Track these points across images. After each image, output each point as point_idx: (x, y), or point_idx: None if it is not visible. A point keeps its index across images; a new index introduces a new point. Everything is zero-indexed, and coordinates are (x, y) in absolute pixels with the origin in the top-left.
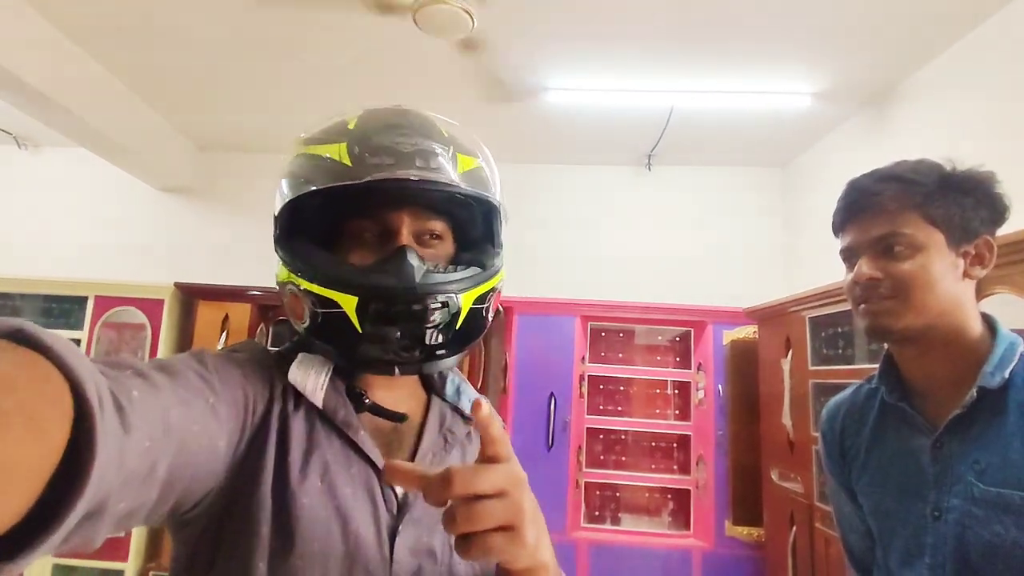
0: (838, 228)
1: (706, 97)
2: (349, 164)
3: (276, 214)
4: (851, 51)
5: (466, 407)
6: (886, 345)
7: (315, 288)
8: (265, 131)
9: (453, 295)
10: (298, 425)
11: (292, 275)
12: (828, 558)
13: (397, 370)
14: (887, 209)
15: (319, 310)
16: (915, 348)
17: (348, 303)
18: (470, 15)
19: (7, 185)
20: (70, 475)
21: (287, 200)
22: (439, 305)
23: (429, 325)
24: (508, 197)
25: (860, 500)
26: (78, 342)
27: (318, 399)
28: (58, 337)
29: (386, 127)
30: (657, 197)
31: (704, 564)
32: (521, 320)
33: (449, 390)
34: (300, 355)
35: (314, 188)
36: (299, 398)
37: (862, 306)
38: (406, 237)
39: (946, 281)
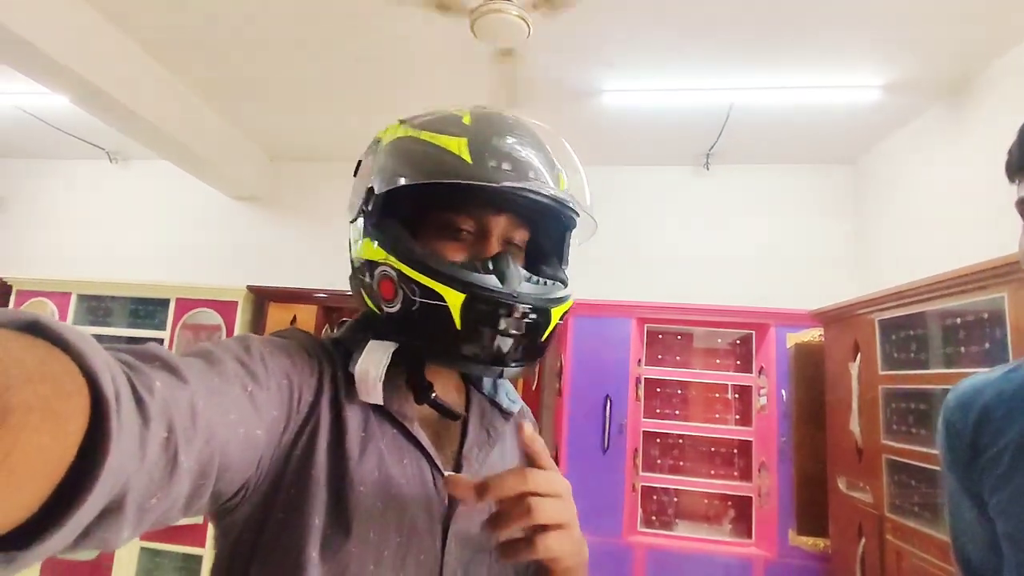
0: (1016, 169)
1: (767, 93)
2: (470, 161)
3: (374, 190)
4: (925, 39)
5: (504, 401)
6: None
7: (422, 278)
8: (331, 142)
9: (549, 309)
10: (353, 413)
11: (391, 258)
12: (900, 573)
13: (478, 369)
14: None
15: (418, 299)
16: None
17: (454, 300)
18: (526, 22)
19: (101, 196)
20: (85, 469)
21: (399, 182)
22: (536, 315)
23: (524, 333)
24: None
25: (991, 514)
26: (161, 342)
27: (378, 391)
28: (74, 329)
29: (503, 131)
30: (717, 196)
31: (766, 574)
32: (576, 322)
33: (487, 384)
34: (368, 344)
35: (452, 180)
36: (352, 387)
37: None
38: (498, 241)
39: None
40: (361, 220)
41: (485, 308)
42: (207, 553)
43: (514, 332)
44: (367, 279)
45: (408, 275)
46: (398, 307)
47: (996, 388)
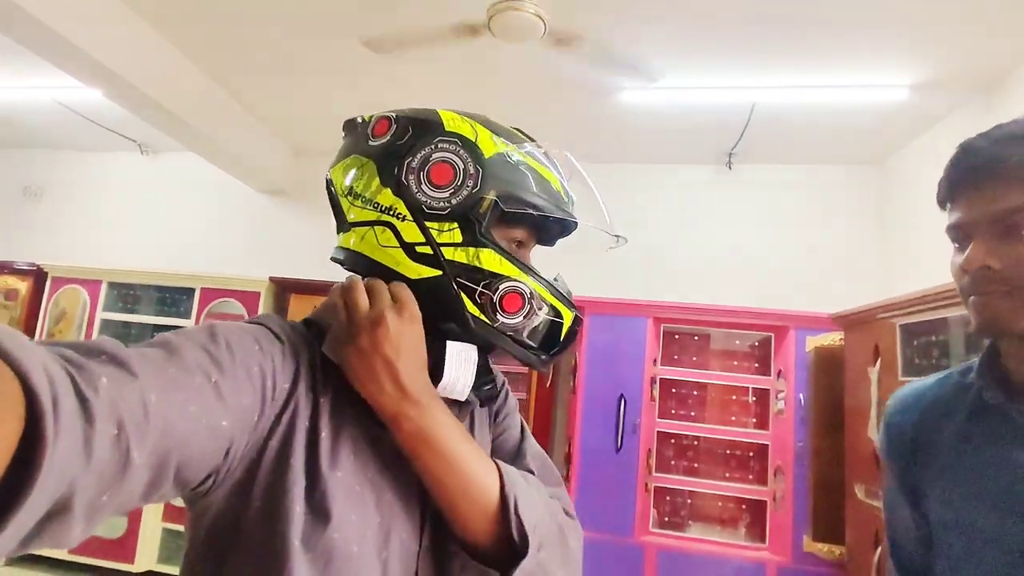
0: (945, 199)
1: (791, 92)
2: (566, 199)
3: (496, 202)
4: (957, 36)
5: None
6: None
7: (551, 298)
8: None
9: None
10: (327, 399)
11: (526, 277)
12: None
13: (544, 367)
14: (1015, 179)
15: (543, 315)
16: None
17: (568, 318)
18: (542, 20)
19: (132, 187)
20: (23, 473)
21: (535, 205)
22: None
23: None
24: None
25: (930, 507)
26: None
27: (466, 392)
28: (5, 329)
29: (563, 169)
30: (738, 196)
31: None
32: (592, 320)
33: None
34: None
35: (572, 218)
36: (326, 370)
37: (972, 298)
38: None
39: None
40: (466, 225)
41: (576, 326)
42: (187, 517)
43: (573, 340)
44: (479, 287)
45: (541, 294)
46: (520, 320)
47: (933, 392)
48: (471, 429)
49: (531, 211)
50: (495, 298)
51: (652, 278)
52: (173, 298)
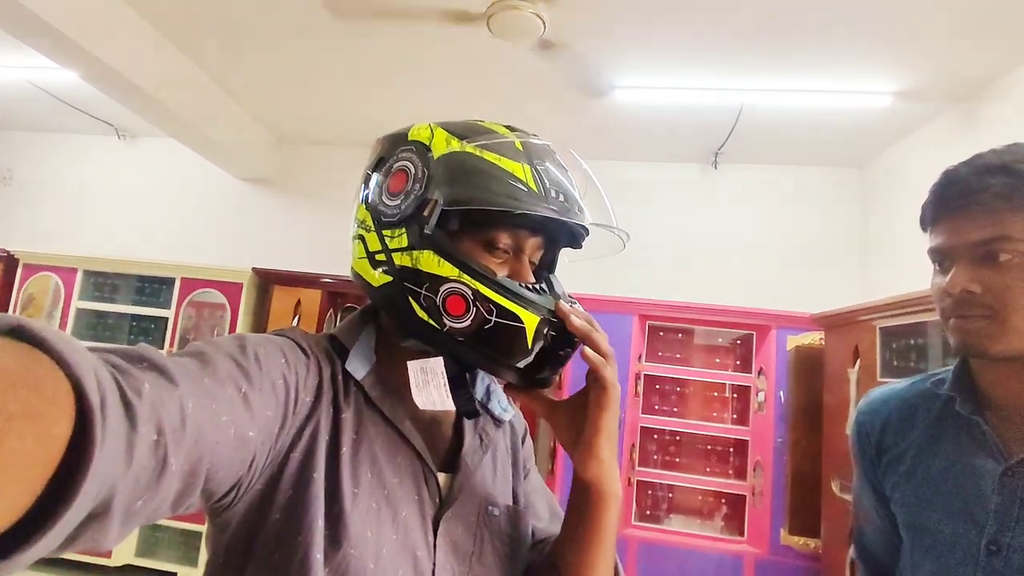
0: (928, 223)
1: (778, 95)
2: (536, 191)
3: (438, 202)
4: (940, 46)
5: (496, 408)
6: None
7: (502, 300)
8: (340, 126)
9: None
10: (348, 414)
11: (466, 277)
12: None
13: (531, 383)
14: (994, 208)
15: (494, 318)
16: (1012, 368)
17: (531, 322)
18: (541, 19)
19: (108, 173)
20: (70, 475)
21: (476, 200)
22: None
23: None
24: None
25: (893, 507)
26: (166, 320)
27: (447, 402)
28: (58, 333)
29: (553, 164)
30: (723, 195)
31: (757, 571)
32: None
33: (479, 389)
34: (358, 344)
35: (529, 210)
36: (348, 385)
37: (952, 320)
38: (530, 258)
39: None
40: (412, 229)
41: (553, 332)
42: (207, 529)
43: (568, 350)
44: (422, 290)
45: (486, 295)
46: (468, 323)
47: (900, 397)
48: (493, 464)
49: (474, 207)
50: (437, 300)
51: (637, 274)
52: (152, 288)
